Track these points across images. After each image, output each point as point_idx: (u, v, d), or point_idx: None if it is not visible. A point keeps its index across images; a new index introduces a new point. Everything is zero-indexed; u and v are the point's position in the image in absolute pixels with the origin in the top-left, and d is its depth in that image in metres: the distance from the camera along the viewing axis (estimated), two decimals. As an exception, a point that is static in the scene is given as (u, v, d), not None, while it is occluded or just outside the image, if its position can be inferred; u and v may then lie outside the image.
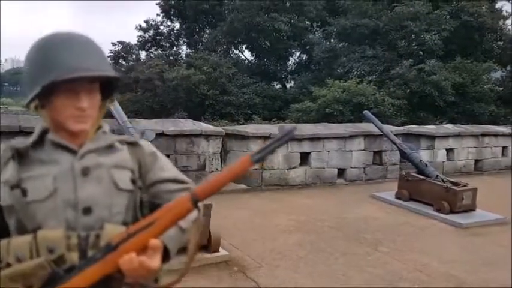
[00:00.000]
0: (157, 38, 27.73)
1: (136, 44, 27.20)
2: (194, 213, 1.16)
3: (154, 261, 1.10)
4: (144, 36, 27.37)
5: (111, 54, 26.16)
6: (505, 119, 16.23)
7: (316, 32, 25.11)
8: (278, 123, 15.30)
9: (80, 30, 1.27)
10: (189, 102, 19.74)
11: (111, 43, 26.33)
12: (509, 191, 7.65)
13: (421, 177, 6.39)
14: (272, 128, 7.95)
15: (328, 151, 7.84)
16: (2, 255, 1.12)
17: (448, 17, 18.59)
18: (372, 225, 5.54)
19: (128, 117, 5.92)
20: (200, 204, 1.13)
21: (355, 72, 19.20)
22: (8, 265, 1.11)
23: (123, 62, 26.28)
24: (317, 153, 7.74)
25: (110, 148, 1.26)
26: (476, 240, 5.13)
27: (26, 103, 1.19)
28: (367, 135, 8.14)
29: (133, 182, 1.26)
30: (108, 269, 1.09)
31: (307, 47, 24.05)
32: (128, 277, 1.11)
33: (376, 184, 7.92)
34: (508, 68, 21.19)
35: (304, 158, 7.68)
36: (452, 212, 5.86)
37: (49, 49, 1.16)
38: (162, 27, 27.69)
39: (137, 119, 6.57)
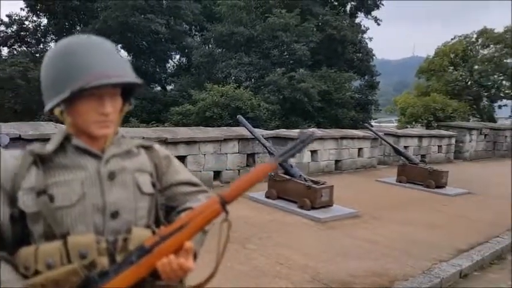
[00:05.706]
0: (22, 33, 25.18)
1: (-4, 39, 24.32)
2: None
3: (190, 262, 1.13)
4: (6, 32, 24.65)
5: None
6: (362, 123, 18.38)
7: (195, 36, 25.30)
8: (157, 126, 15.11)
9: None
10: (58, 104, 18.30)
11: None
12: (362, 188, 8.71)
13: (287, 177, 6.90)
14: (147, 132, 7.87)
15: (204, 154, 8.05)
16: (28, 263, 1.08)
17: (315, 29, 20.35)
18: (242, 223, 5.77)
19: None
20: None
21: (233, 78, 19.88)
22: (37, 272, 1.07)
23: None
24: (193, 157, 7.89)
25: (129, 152, 1.26)
26: (332, 232, 5.63)
27: (50, 108, 1.14)
28: (241, 139, 8.52)
29: (153, 185, 1.26)
30: (144, 271, 1.08)
31: (187, 51, 24.11)
32: (164, 279, 1.11)
33: (250, 185, 8.31)
34: (366, 77, 23.99)
35: (181, 161, 7.70)
36: (313, 208, 6.40)
37: (73, 54, 1.12)
38: (27, 23, 25.23)
39: (-6, 123, 5.96)
